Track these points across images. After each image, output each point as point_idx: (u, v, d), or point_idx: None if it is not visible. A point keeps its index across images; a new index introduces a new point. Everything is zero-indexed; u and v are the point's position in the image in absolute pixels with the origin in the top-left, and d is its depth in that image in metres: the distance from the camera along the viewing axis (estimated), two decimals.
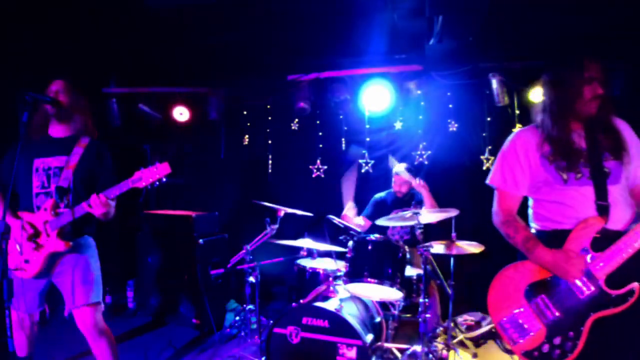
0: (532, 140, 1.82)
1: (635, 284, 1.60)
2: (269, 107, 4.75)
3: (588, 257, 1.66)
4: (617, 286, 1.62)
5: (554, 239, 1.74)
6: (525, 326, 1.73)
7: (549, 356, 1.67)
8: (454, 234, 3.09)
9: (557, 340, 1.67)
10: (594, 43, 3.35)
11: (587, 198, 1.69)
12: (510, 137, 1.93)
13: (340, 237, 3.07)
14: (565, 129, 1.77)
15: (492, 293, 1.83)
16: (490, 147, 4.13)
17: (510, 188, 1.87)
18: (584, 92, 1.71)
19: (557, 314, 1.69)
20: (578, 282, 1.66)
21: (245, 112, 4.82)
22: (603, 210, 1.67)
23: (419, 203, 3.50)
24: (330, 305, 2.67)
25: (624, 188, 1.73)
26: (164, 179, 2.22)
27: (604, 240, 1.65)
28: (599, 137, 1.74)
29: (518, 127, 4.00)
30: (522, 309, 1.75)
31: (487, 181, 1.96)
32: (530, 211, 1.93)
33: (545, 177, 1.78)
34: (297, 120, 4.72)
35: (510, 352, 3.44)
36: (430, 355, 2.88)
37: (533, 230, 1.89)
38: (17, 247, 2.30)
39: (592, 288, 1.64)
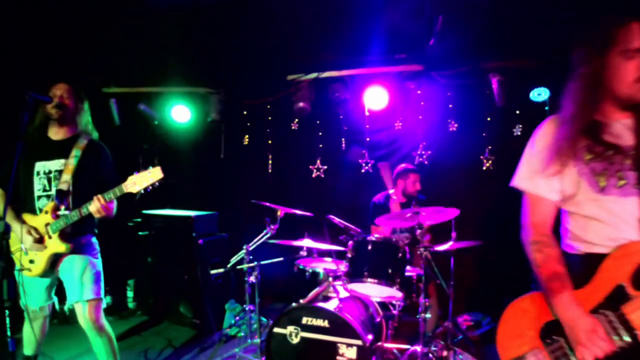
0: (567, 132, 1.40)
1: None
2: (269, 107, 4.74)
3: (622, 307, 1.27)
4: None
5: (585, 266, 1.37)
6: None
7: None
8: (454, 234, 3.09)
9: None
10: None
11: (629, 213, 1.30)
12: (540, 126, 1.52)
13: (340, 237, 3.06)
14: (604, 118, 1.37)
15: (502, 327, 1.48)
16: (490, 147, 4.13)
17: (543, 190, 1.45)
18: (628, 68, 1.27)
19: None
20: (609, 328, 1.28)
21: (245, 112, 4.82)
22: None
23: (419, 203, 3.50)
24: (330, 305, 2.67)
25: None
26: (157, 184, 2.24)
27: None
28: None
29: (519, 128, 3.99)
30: (535, 352, 1.40)
31: (513, 183, 1.55)
32: (562, 230, 1.55)
33: (577, 182, 1.38)
34: (297, 120, 4.72)
35: None
36: (430, 355, 2.88)
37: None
38: (22, 248, 2.34)
39: (627, 339, 1.25)
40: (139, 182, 2.22)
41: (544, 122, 1.52)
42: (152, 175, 2.22)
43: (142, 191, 2.24)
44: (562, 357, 1.35)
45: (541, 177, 1.45)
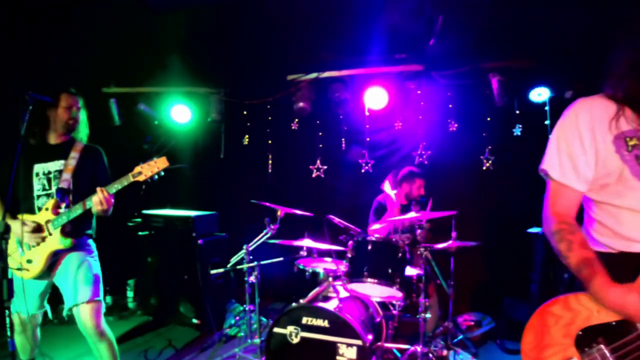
0: (604, 114, 1.29)
1: None
2: (269, 107, 4.75)
3: None
4: None
5: (622, 265, 1.26)
6: None
7: None
8: (454, 234, 3.09)
9: None
10: (593, 42, 3.35)
11: None
12: (570, 109, 1.38)
13: (340, 237, 3.06)
14: None
15: (530, 334, 1.33)
16: (490, 147, 4.13)
17: (571, 179, 1.34)
18: None
19: None
20: None
21: (245, 112, 4.82)
22: None
23: (419, 204, 3.50)
24: (330, 305, 2.67)
25: None
26: (162, 173, 2.33)
27: None
28: None
29: (519, 128, 3.99)
30: None
31: (541, 166, 1.42)
32: (586, 220, 1.44)
33: (619, 168, 1.26)
34: (297, 120, 4.72)
35: (509, 352, 3.44)
36: (430, 355, 2.88)
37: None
38: (19, 248, 2.33)
39: None
40: (145, 171, 2.29)
41: (577, 103, 1.37)
42: (157, 164, 2.30)
43: (149, 180, 2.30)
44: None
45: (571, 164, 1.34)
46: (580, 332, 1.26)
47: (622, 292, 1.19)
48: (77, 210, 2.31)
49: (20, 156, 2.07)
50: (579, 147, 1.31)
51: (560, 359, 1.27)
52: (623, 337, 1.20)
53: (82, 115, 2.58)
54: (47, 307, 2.55)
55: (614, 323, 1.22)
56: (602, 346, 1.23)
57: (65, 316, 4.00)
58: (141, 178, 2.29)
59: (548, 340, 1.30)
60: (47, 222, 2.34)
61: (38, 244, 2.33)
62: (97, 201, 2.27)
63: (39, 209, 2.38)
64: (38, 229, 2.33)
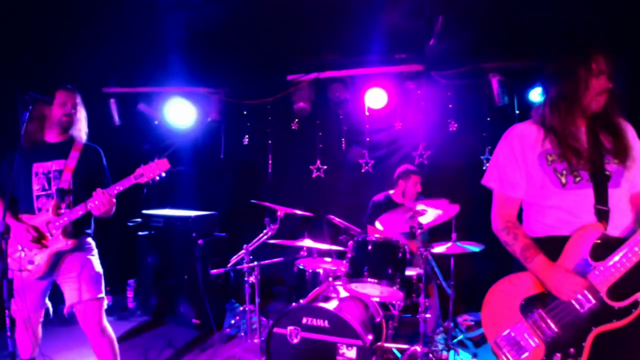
0: (531, 137, 1.70)
1: (639, 295, 1.49)
2: (269, 107, 4.75)
3: (588, 275, 1.54)
4: (620, 298, 1.50)
5: (551, 246, 1.62)
6: (522, 344, 1.60)
7: None
8: (454, 234, 3.09)
9: (557, 358, 1.55)
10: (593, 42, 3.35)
11: (586, 202, 1.59)
12: (506, 133, 1.81)
13: (341, 237, 3.06)
14: (569, 124, 1.64)
15: (487, 309, 1.70)
16: (490, 147, 4.13)
17: (508, 190, 1.74)
18: (591, 84, 1.58)
19: (556, 329, 1.57)
20: (578, 295, 1.55)
21: (245, 112, 4.82)
22: (603, 215, 1.56)
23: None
24: (330, 305, 2.67)
25: (625, 193, 1.62)
26: (164, 174, 2.33)
27: (605, 247, 1.52)
28: (601, 137, 1.63)
29: None
30: (518, 326, 1.62)
31: (483, 181, 1.84)
32: (525, 218, 1.81)
33: (542, 179, 1.66)
34: (297, 120, 4.72)
35: None
36: (430, 355, 2.88)
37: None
38: (19, 249, 2.32)
39: (593, 301, 1.52)
40: (146, 173, 2.29)
41: (512, 129, 1.81)
42: (159, 166, 2.30)
43: (150, 182, 2.30)
44: (541, 324, 1.60)
45: (507, 176, 1.74)
46: (522, 302, 1.64)
47: (553, 269, 1.58)
48: (78, 212, 2.30)
49: (19, 156, 2.07)
50: (513, 163, 1.72)
51: (511, 324, 1.64)
52: (554, 301, 1.59)
53: (81, 112, 2.53)
54: (49, 304, 2.54)
55: (546, 292, 1.62)
56: (540, 310, 1.61)
57: (67, 314, 4.02)
58: (143, 180, 2.29)
59: (500, 311, 1.67)
60: (48, 223, 2.32)
61: (39, 247, 2.31)
62: (97, 203, 2.26)
63: (39, 209, 2.37)
64: (39, 234, 2.32)
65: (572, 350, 1.54)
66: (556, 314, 1.58)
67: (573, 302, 1.55)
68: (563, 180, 1.62)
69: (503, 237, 1.73)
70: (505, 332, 1.64)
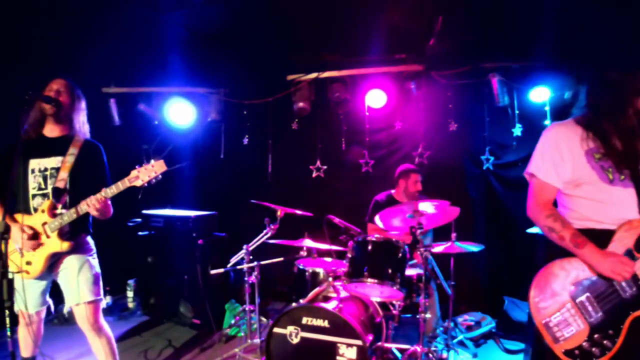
0: (575, 136, 1.81)
1: None
2: (269, 107, 4.74)
3: (636, 261, 1.70)
4: None
5: (593, 238, 1.74)
6: (570, 325, 1.74)
7: (589, 354, 1.71)
8: (453, 234, 3.09)
9: (598, 338, 1.71)
10: (593, 42, 3.35)
11: (630, 199, 1.74)
12: (549, 130, 1.91)
13: (341, 237, 3.06)
14: (612, 130, 1.78)
15: (536, 290, 1.82)
16: (490, 147, 4.13)
17: (551, 179, 1.85)
18: (636, 102, 1.74)
19: (601, 312, 1.72)
20: (623, 282, 1.71)
21: (245, 112, 4.82)
22: None
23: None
24: (330, 305, 2.67)
25: None
26: (160, 177, 2.24)
27: None
28: (634, 142, 1.77)
29: (519, 127, 4.00)
30: (567, 308, 1.76)
31: (527, 170, 1.93)
32: (561, 209, 1.92)
33: (590, 174, 1.77)
34: (297, 120, 4.72)
35: (509, 352, 3.45)
36: (430, 355, 2.88)
37: None
38: (17, 249, 2.29)
39: (634, 288, 1.70)
40: (142, 175, 2.20)
41: (555, 127, 1.89)
42: (155, 168, 2.21)
43: (146, 184, 2.22)
44: (589, 307, 1.74)
45: (552, 167, 1.83)
46: (572, 286, 1.77)
47: (605, 254, 1.71)
48: (72, 215, 2.25)
49: (17, 154, 2.04)
50: (558, 156, 1.83)
51: (559, 306, 1.77)
52: (602, 286, 1.74)
53: (75, 104, 2.44)
54: (50, 302, 2.52)
55: (594, 278, 1.76)
56: (588, 294, 1.75)
57: (66, 314, 4.02)
58: (138, 183, 2.21)
59: (549, 292, 1.79)
60: (44, 224, 2.28)
61: (35, 249, 2.29)
62: (91, 207, 2.22)
63: (35, 209, 2.32)
64: (35, 234, 2.28)
65: (611, 331, 1.71)
66: (602, 299, 1.73)
67: (618, 288, 1.71)
68: (611, 176, 1.75)
69: (549, 223, 1.82)
70: (555, 314, 1.77)
